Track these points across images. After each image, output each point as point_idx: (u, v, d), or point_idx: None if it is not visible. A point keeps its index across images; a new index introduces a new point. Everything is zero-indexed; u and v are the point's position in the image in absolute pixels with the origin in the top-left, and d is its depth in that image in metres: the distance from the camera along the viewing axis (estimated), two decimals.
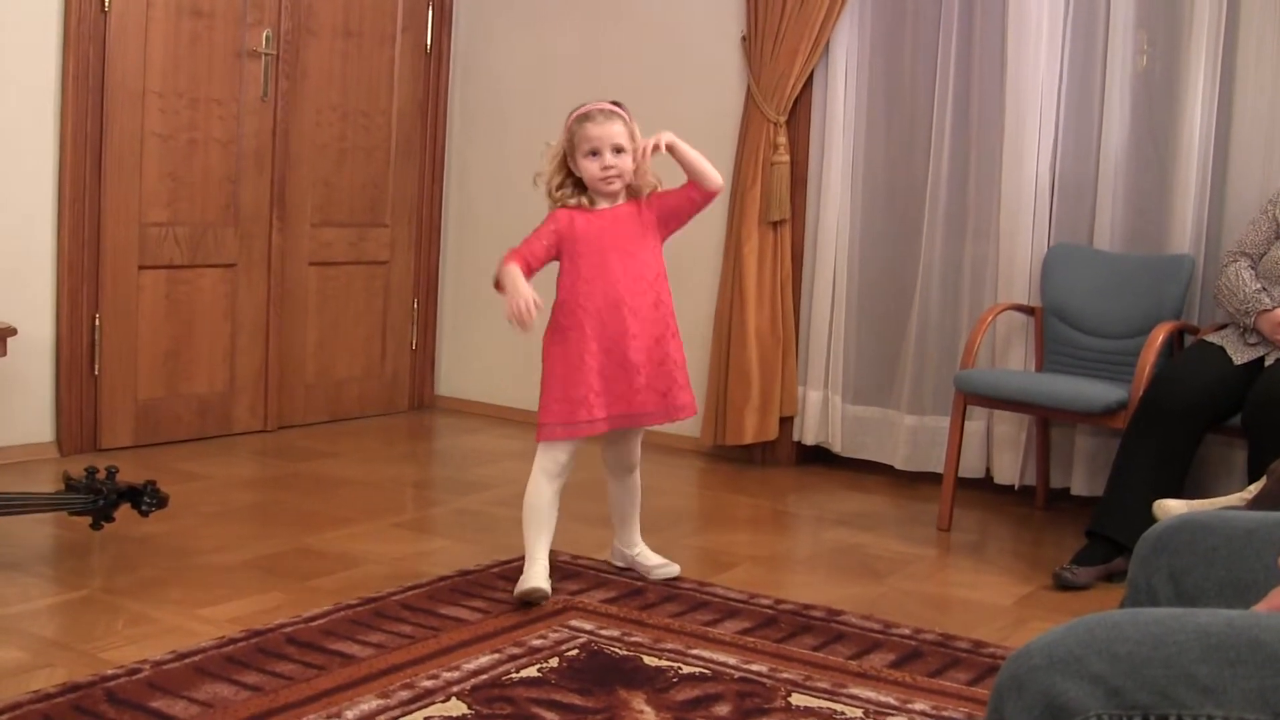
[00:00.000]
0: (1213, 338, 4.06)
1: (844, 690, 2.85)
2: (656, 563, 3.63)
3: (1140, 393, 3.97)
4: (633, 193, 3.44)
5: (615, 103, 3.41)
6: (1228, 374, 3.90)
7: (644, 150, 3.36)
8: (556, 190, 3.40)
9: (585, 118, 3.34)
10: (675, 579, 3.60)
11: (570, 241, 3.37)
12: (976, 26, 4.81)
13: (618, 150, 3.33)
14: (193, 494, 4.27)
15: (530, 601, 3.28)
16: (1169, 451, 3.82)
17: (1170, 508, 3.22)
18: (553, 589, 3.40)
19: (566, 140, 3.37)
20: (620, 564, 3.68)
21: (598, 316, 3.35)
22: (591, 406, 3.33)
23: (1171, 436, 3.83)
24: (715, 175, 3.43)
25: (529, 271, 3.32)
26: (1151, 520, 2.48)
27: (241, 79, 5.13)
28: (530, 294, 3.23)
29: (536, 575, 3.32)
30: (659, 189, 3.46)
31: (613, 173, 3.34)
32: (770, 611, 3.37)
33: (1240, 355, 3.94)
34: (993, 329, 4.71)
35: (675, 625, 3.22)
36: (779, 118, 5.05)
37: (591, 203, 3.40)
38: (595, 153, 3.33)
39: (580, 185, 3.40)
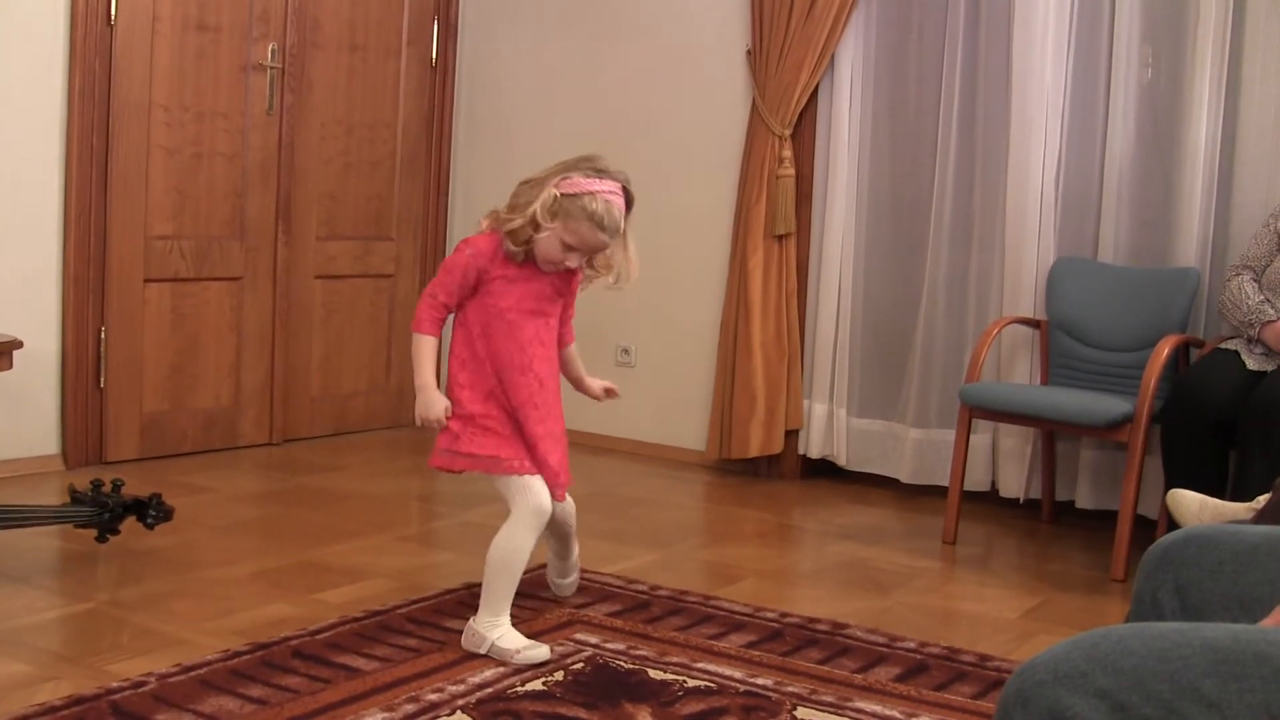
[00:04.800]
0: (1226, 345, 4.11)
1: (849, 704, 2.84)
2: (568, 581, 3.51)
3: (1147, 406, 4.01)
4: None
5: (626, 186, 3.06)
6: (1245, 378, 3.96)
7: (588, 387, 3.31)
8: (520, 244, 3.03)
9: (597, 219, 2.98)
10: (683, 591, 3.59)
11: (488, 282, 3.09)
12: (981, 39, 4.81)
13: (594, 255, 3.07)
14: (198, 507, 4.27)
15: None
16: (1203, 457, 3.91)
17: (1184, 498, 3.23)
18: (559, 601, 3.45)
19: (564, 203, 2.98)
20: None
21: (511, 375, 3.10)
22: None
23: (1201, 442, 3.90)
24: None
25: (443, 325, 3.13)
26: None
27: (247, 93, 5.15)
28: (445, 405, 3.09)
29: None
30: (626, 282, 3.16)
31: (571, 264, 3.06)
32: (776, 625, 3.36)
33: (1250, 362, 3.99)
34: (998, 342, 4.71)
35: (681, 639, 3.22)
36: (784, 131, 5.05)
37: (523, 260, 3.07)
38: (572, 248, 3.02)
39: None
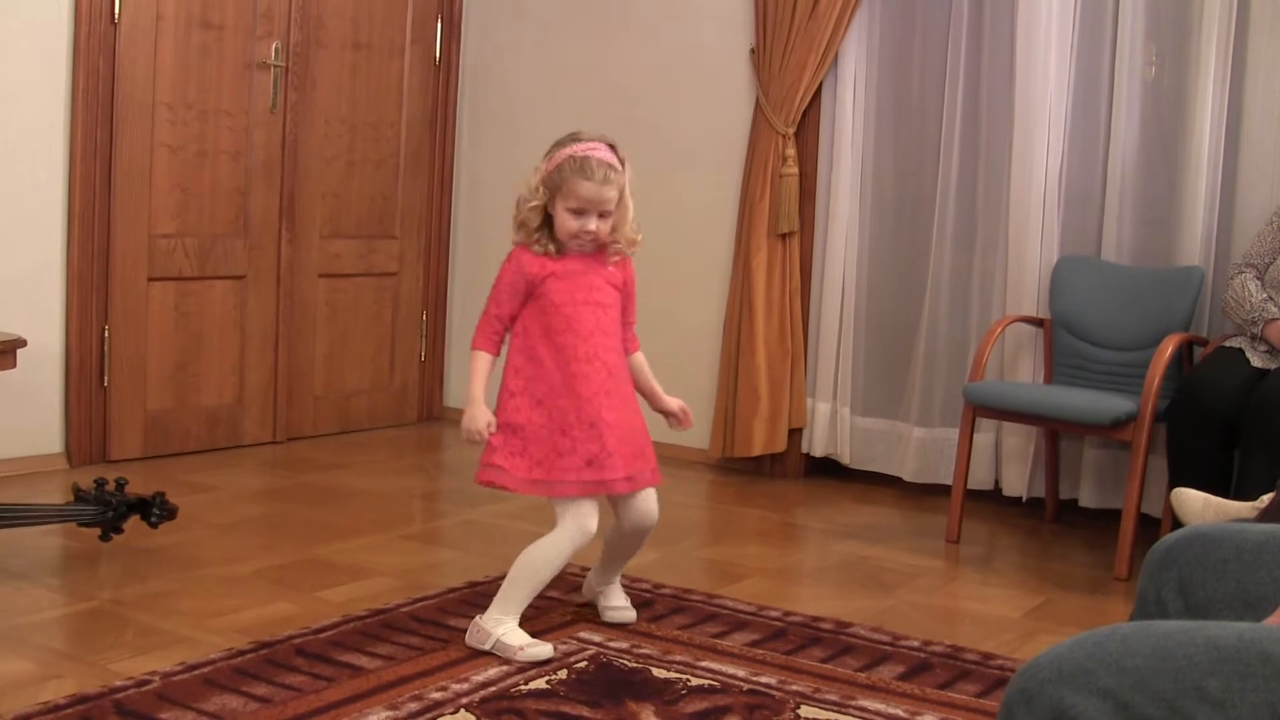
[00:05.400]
0: (1230, 343, 4.11)
1: (853, 702, 2.84)
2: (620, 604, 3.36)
3: (1151, 405, 4.01)
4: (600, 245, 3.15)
5: (613, 146, 3.11)
6: (1250, 376, 3.96)
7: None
8: (534, 234, 3.09)
9: (581, 169, 3.02)
10: (686, 590, 3.59)
11: (540, 284, 3.11)
12: (985, 37, 4.81)
13: (603, 215, 3.07)
14: (202, 505, 4.27)
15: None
16: (1209, 455, 3.91)
17: (1188, 497, 3.23)
18: (562, 600, 3.43)
19: (551, 175, 3.06)
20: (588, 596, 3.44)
21: (575, 374, 3.09)
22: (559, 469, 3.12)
23: (1206, 441, 3.91)
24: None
25: (501, 341, 3.17)
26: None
27: (251, 91, 5.15)
28: (488, 420, 3.08)
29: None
30: (634, 247, 3.18)
31: (588, 237, 3.07)
32: (779, 624, 3.36)
33: (1255, 360, 4.00)
34: (1001, 341, 4.71)
35: (684, 637, 3.22)
36: (788, 130, 5.05)
37: (559, 251, 3.11)
38: (579, 212, 3.05)
39: (552, 228, 3.11)
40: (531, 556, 3.08)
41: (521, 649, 2.98)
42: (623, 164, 3.10)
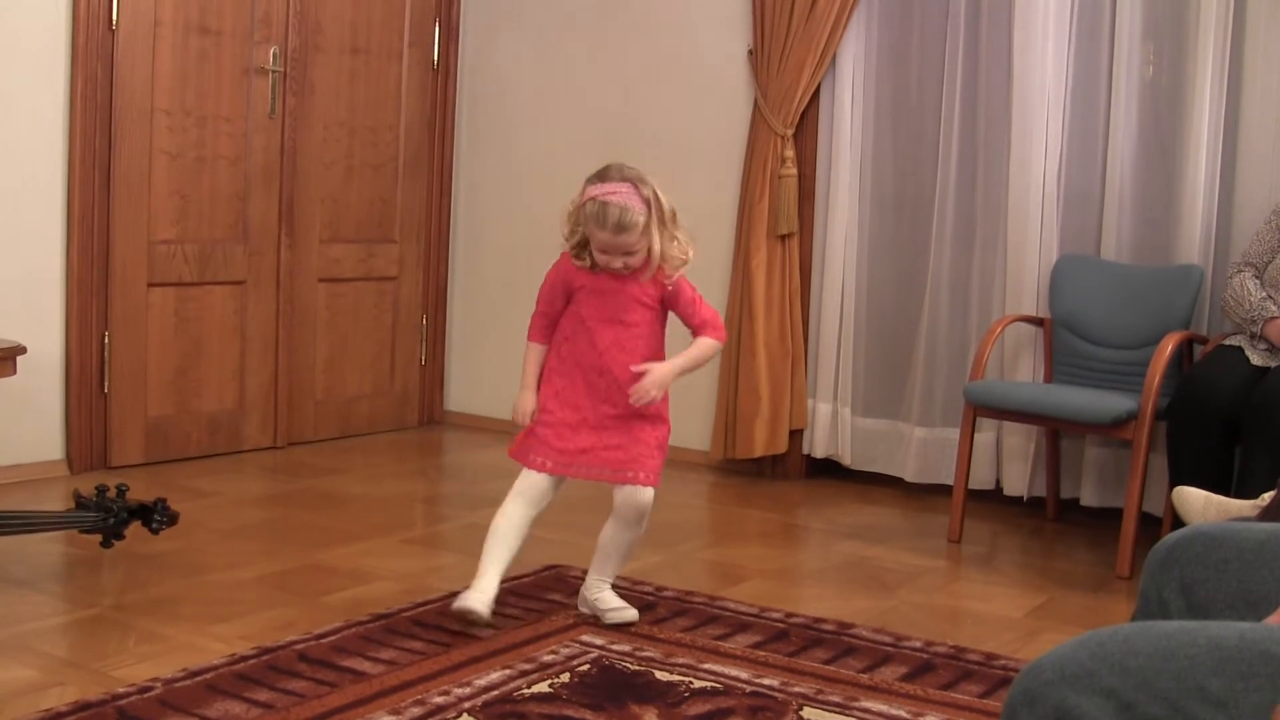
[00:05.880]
0: (1230, 341, 4.11)
1: (856, 704, 2.84)
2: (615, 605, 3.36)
3: (1152, 403, 4.01)
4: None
5: (638, 182, 3.17)
6: (1250, 374, 3.97)
7: (643, 390, 3.22)
8: (575, 249, 3.26)
9: (596, 217, 3.13)
10: (688, 592, 3.59)
11: (575, 293, 3.30)
12: (982, 37, 4.81)
13: (629, 253, 3.18)
14: (203, 511, 4.27)
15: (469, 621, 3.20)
16: (1210, 453, 3.92)
17: (1189, 495, 3.24)
18: (564, 604, 3.43)
19: (576, 215, 3.22)
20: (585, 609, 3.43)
21: (584, 376, 3.28)
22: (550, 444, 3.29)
23: (1207, 439, 3.92)
24: (715, 353, 3.43)
25: (552, 331, 3.34)
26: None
27: (249, 96, 5.15)
28: (531, 408, 3.31)
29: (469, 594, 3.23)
30: (681, 270, 3.26)
31: (618, 267, 3.20)
32: (781, 625, 3.36)
33: (1254, 358, 4.00)
34: (1001, 340, 4.71)
35: (686, 640, 3.22)
36: (786, 131, 5.05)
37: (593, 267, 3.25)
38: (605, 252, 3.18)
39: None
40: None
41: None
42: (648, 202, 3.15)
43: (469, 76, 6.03)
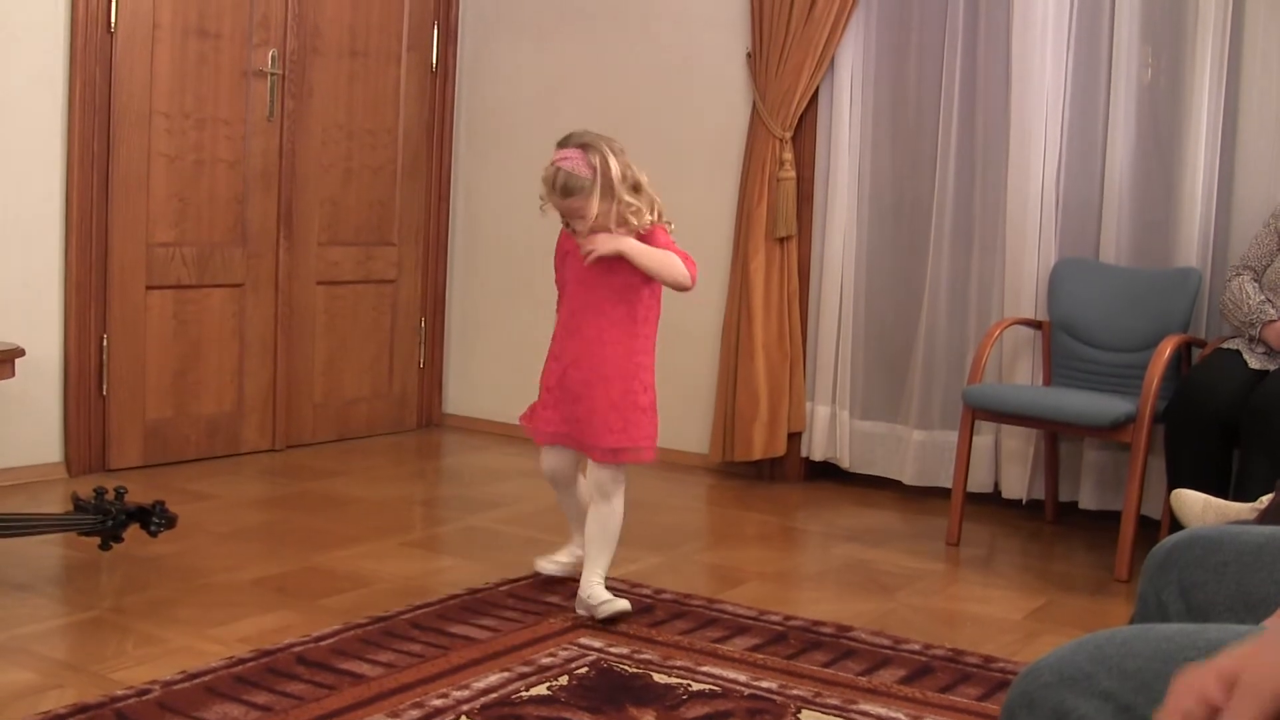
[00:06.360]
0: (1228, 345, 4.11)
1: (854, 707, 2.84)
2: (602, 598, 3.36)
3: (1150, 406, 4.02)
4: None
5: (585, 146, 3.26)
6: (1248, 377, 3.97)
7: (592, 242, 3.25)
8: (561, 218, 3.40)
9: (549, 182, 3.28)
10: (687, 595, 3.59)
11: (565, 254, 3.48)
12: (981, 40, 4.81)
13: (581, 217, 3.27)
14: (201, 514, 4.27)
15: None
16: (1209, 456, 3.93)
17: (1188, 498, 3.24)
18: (562, 606, 3.43)
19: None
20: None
21: (561, 340, 3.45)
22: (536, 416, 3.49)
23: (1205, 442, 3.92)
24: (680, 277, 3.31)
25: None
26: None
27: (248, 99, 5.15)
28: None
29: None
30: (653, 225, 3.32)
31: (580, 229, 3.31)
32: (780, 628, 3.36)
33: (1253, 361, 4.00)
34: (1000, 343, 4.71)
35: (684, 642, 3.22)
36: (785, 134, 5.05)
37: (572, 230, 3.38)
38: (563, 215, 3.35)
39: None
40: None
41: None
42: (594, 168, 3.23)
43: (468, 79, 6.03)
